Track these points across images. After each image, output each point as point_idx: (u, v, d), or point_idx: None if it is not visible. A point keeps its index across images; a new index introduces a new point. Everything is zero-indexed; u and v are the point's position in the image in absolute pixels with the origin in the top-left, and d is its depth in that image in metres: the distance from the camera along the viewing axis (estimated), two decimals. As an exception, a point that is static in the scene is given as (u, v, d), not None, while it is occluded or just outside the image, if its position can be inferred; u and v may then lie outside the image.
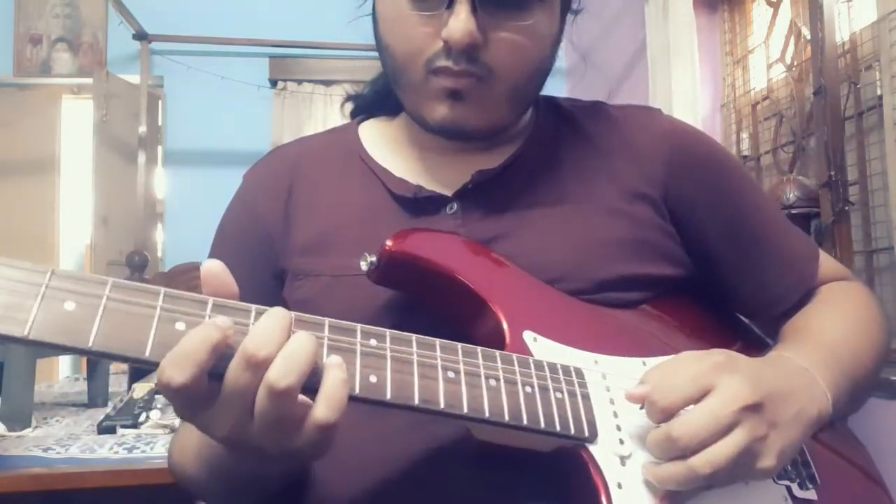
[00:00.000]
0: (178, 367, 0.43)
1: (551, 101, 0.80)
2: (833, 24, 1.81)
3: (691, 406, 0.53)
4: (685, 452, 0.51)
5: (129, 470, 1.40)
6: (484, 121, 0.68)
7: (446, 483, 0.60)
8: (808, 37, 1.97)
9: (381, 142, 0.77)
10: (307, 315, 0.50)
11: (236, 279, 0.74)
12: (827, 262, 0.79)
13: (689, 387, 0.53)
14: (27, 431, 1.60)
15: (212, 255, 0.76)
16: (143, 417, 1.63)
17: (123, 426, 1.62)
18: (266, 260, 0.73)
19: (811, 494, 0.63)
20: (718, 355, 0.56)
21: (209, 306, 0.47)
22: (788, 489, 0.62)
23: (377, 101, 0.81)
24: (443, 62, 0.64)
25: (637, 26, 2.75)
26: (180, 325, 0.46)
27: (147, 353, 0.44)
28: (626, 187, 0.72)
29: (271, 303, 0.50)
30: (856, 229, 1.83)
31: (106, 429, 1.61)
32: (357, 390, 0.48)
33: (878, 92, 1.78)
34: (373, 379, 0.49)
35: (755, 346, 0.76)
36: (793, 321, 0.74)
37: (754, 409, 0.53)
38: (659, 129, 0.76)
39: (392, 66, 0.68)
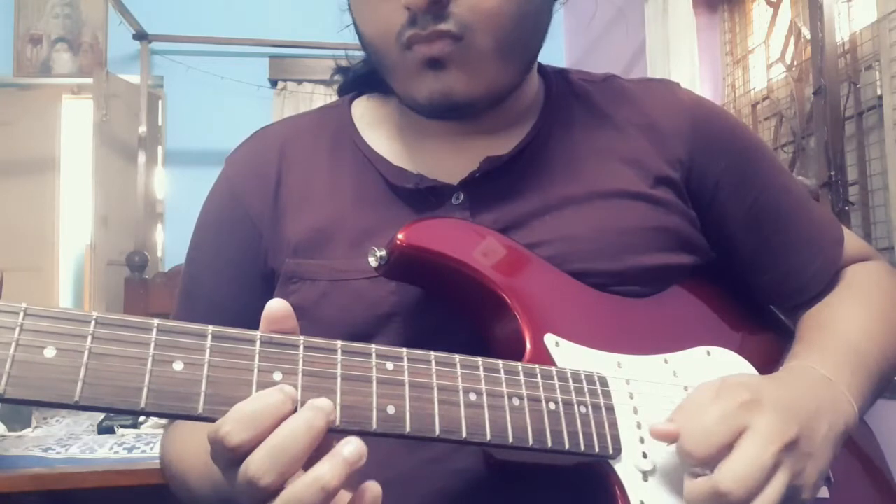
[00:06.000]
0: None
1: (562, 75, 0.74)
2: (833, 24, 1.81)
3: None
4: None
5: (129, 470, 1.41)
6: (475, 87, 0.61)
7: (459, 498, 0.58)
8: (808, 37, 1.97)
9: (376, 124, 0.71)
10: (318, 339, 0.47)
11: (220, 279, 0.71)
12: (851, 242, 0.76)
13: (723, 432, 0.51)
14: (27, 431, 1.60)
15: (192, 251, 0.73)
16: (142, 418, 1.63)
17: (123, 426, 1.62)
18: (254, 258, 0.68)
19: (823, 492, 0.62)
20: (741, 390, 0.54)
21: (209, 338, 0.44)
22: None
23: (371, 75, 0.72)
24: (411, 31, 0.58)
25: (637, 26, 2.75)
26: (178, 366, 0.43)
27: (143, 404, 0.41)
28: (646, 169, 0.67)
29: (258, 305, 0.48)
30: (856, 229, 1.82)
31: (106, 429, 1.62)
32: (374, 425, 0.46)
33: (878, 92, 1.78)
34: (391, 410, 0.46)
35: (776, 331, 0.74)
36: (814, 313, 0.71)
37: (792, 445, 0.52)
38: (679, 104, 0.71)
39: (372, 53, 0.64)
